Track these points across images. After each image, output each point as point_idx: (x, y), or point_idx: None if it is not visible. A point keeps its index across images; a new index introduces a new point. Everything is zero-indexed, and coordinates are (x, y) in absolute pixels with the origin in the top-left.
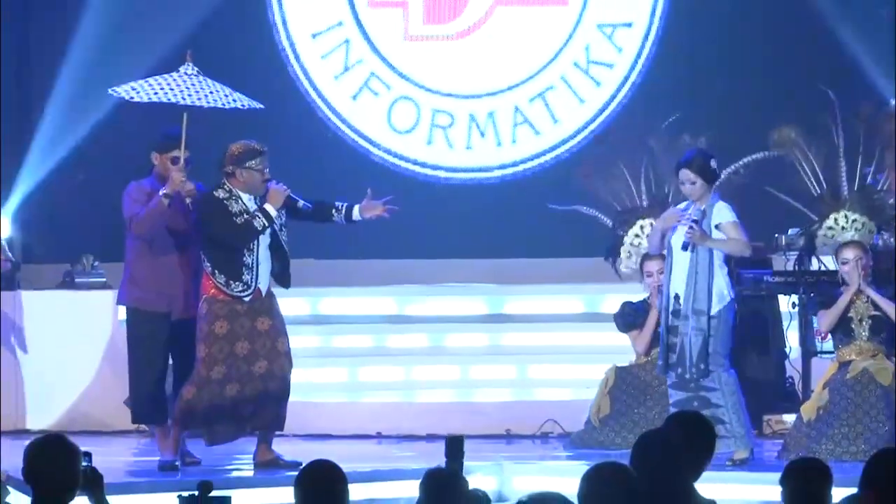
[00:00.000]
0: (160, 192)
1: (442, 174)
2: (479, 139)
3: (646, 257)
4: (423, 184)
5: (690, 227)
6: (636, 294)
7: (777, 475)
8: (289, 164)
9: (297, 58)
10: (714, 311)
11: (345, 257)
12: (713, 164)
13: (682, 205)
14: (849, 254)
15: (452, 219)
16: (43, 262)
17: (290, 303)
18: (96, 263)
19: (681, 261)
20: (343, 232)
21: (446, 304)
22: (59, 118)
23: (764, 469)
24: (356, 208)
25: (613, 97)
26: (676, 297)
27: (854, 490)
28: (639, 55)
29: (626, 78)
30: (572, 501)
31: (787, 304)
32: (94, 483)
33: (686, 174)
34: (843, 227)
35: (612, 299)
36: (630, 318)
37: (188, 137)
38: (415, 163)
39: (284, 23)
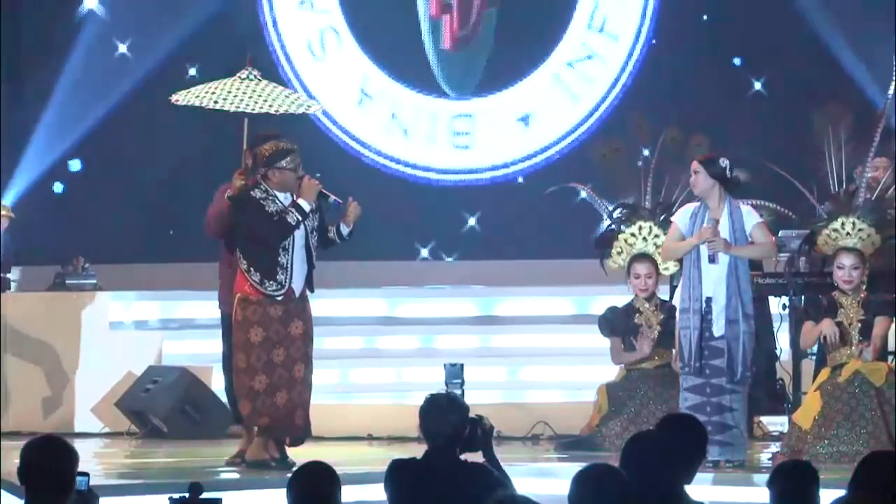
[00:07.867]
0: (226, 195)
1: (433, 175)
2: (470, 141)
3: (635, 258)
4: (414, 185)
5: (710, 241)
6: (626, 297)
7: (765, 477)
8: None
9: (287, 58)
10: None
11: (335, 259)
12: (723, 162)
13: (691, 206)
14: (846, 260)
15: (443, 220)
16: (34, 264)
17: None
18: (87, 265)
19: (714, 266)
20: None
21: (437, 305)
22: (54, 119)
23: (753, 471)
24: (341, 225)
25: (604, 99)
26: (708, 300)
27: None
28: (629, 56)
29: (616, 80)
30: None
31: (777, 305)
32: None
33: (693, 164)
34: (847, 233)
35: (603, 301)
36: (614, 322)
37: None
38: (406, 164)
39: (275, 23)
